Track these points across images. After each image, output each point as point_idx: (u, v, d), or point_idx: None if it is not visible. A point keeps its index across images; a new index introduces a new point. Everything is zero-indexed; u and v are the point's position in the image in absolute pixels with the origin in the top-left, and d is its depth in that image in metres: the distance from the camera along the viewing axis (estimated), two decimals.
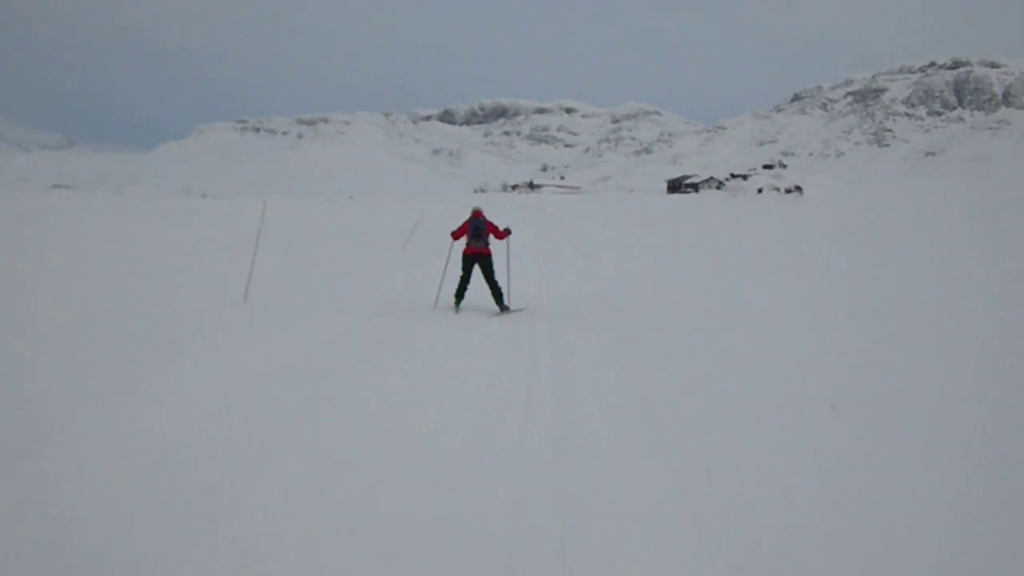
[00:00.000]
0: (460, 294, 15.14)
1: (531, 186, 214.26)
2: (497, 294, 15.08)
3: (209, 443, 6.68)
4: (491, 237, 15.43)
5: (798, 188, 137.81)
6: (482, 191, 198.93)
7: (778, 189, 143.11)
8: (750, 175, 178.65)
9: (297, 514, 5.38)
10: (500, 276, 15.96)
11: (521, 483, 6.03)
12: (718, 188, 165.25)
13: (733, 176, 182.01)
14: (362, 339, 11.55)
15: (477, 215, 15.47)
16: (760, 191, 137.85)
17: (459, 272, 15.42)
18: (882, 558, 4.89)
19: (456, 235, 15.61)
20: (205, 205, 61.79)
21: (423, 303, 15.56)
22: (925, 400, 8.46)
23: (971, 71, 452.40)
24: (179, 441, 6.68)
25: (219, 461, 6.29)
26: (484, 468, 6.37)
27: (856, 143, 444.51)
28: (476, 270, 15.32)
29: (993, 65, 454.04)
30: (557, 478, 6.15)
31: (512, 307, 15.33)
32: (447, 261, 16.70)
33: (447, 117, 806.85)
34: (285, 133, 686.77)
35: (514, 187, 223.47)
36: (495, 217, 17.54)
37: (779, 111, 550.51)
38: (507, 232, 15.79)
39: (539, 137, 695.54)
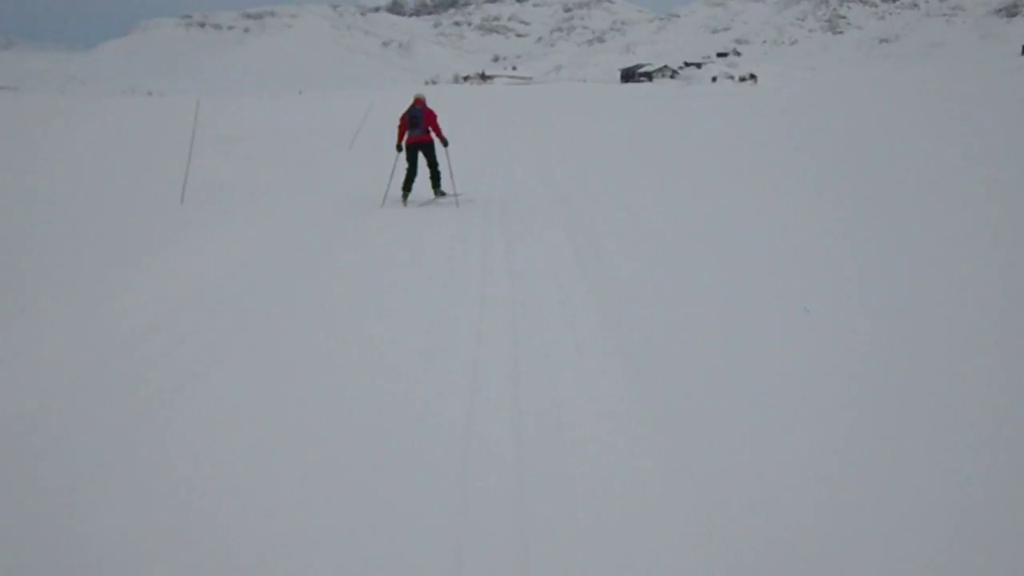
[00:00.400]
0: (407, 186, 14.98)
1: (483, 77, 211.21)
2: (436, 176, 15.21)
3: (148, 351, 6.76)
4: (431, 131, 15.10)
5: (752, 76, 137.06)
6: (433, 83, 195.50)
7: (732, 77, 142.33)
8: (704, 63, 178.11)
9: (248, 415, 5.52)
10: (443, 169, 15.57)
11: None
12: (672, 77, 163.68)
13: (687, 64, 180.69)
14: (303, 245, 11.17)
15: (418, 103, 15.16)
16: (715, 79, 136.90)
17: (404, 164, 15.17)
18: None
19: (400, 129, 15.18)
20: (145, 103, 59.94)
21: (367, 202, 15.11)
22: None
23: None
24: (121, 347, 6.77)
25: (168, 361, 6.50)
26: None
27: (810, 30, 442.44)
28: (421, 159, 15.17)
29: None
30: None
31: (451, 192, 15.17)
32: (396, 157, 15.81)
33: (396, 8, 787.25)
34: (231, 28, 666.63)
35: (466, 78, 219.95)
36: (446, 112, 17.02)
37: None
38: (445, 140, 15.23)
39: (490, 27, 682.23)
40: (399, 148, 15.19)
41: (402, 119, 15.11)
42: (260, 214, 13.27)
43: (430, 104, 15.41)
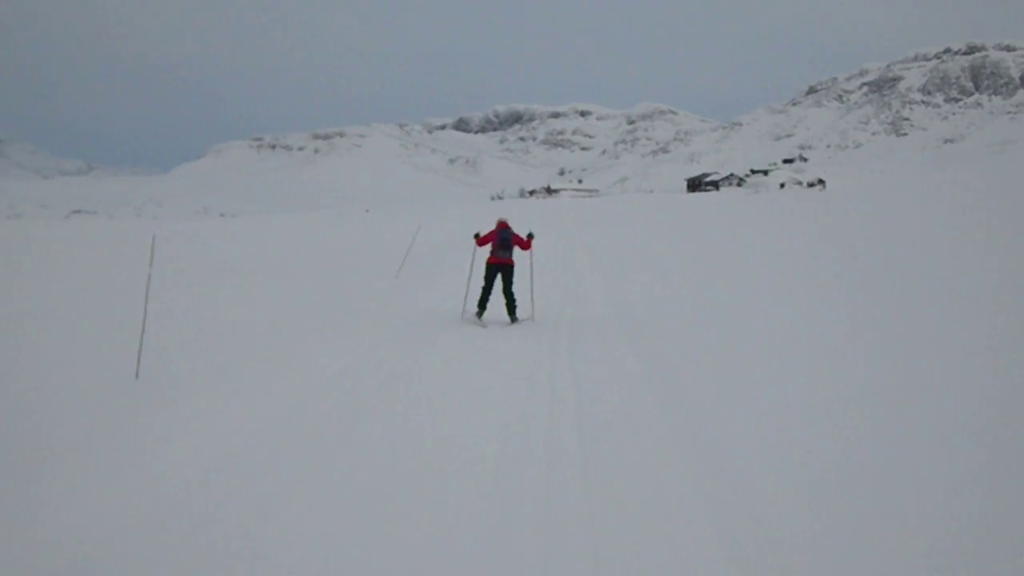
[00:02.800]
0: (483, 304, 15.08)
1: (549, 191, 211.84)
2: (511, 304, 15.14)
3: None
4: (516, 249, 15.44)
5: (821, 182, 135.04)
6: (499, 198, 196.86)
7: (800, 183, 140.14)
8: (771, 170, 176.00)
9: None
10: (523, 289, 16.41)
11: None
12: (739, 185, 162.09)
13: (753, 172, 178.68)
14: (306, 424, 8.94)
15: (503, 226, 15.47)
16: (782, 186, 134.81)
17: (481, 282, 15.34)
18: None
19: (481, 242, 15.65)
20: (212, 226, 59.49)
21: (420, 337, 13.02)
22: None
23: (987, 55, 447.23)
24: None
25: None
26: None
27: (874, 133, 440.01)
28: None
29: (1008, 48, 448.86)
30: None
31: (525, 317, 15.47)
32: (471, 267, 16.69)
33: (462, 125, 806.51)
34: (301, 149, 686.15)
35: (531, 193, 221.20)
36: (513, 225, 16.34)
37: (795, 105, 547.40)
38: (531, 238, 15.78)
39: (555, 141, 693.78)
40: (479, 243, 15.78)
41: (488, 235, 15.47)
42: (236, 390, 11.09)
43: (495, 220, 15.80)
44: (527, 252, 16.10)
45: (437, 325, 14.65)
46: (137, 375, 9.78)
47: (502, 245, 15.16)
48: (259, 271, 24.38)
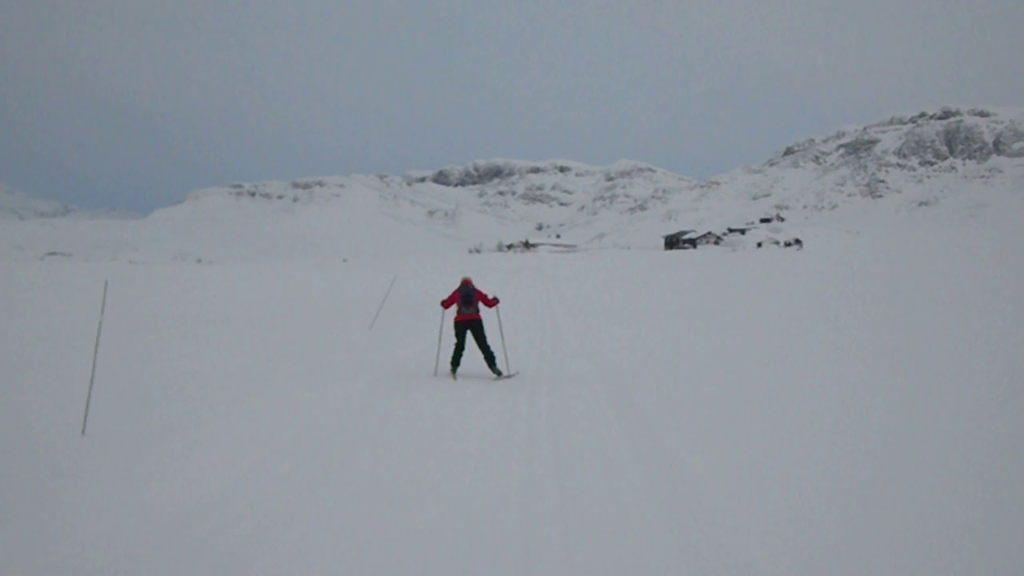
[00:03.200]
0: (456, 361, 15.08)
1: (527, 245, 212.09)
2: (490, 358, 15.00)
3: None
4: (480, 305, 15.48)
5: (798, 241, 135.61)
6: (477, 251, 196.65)
7: (777, 243, 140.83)
8: (748, 229, 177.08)
9: None
10: (495, 343, 16.48)
11: None
12: (716, 243, 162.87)
13: (731, 231, 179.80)
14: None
15: (467, 283, 15.59)
16: (760, 245, 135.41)
17: (453, 340, 15.49)
18: None
19: (447, 304, 15.74)
20: (188, 272, 58.69)
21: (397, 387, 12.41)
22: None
23: (961, 120, 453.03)
24: None
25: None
26: None
27: (850, 195, 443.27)
28: (469, 337, 15.43)
29: (982, 114, 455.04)
30: None
31: (506, 372, 15.26)
32: (440, 330, 16.58)
33: (442, 178, 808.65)
34: (280, 197, 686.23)
35: (509, 247, 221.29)
36: (489, 279, 17.11)
37: (772, 165, 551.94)
38: (495, 301, 15.68)
39: (534, 196, 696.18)
40: (444, 307, 15.80)
41: (452, 296, 15.49)
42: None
43: (476, 275, 15.04)
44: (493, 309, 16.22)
45: (411, 378, 14.58)
46: (84, 431, 9.18)
47: (464, 301, 15.29)
48: (229, 320, 23.81)
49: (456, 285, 16.46)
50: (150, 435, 9.20)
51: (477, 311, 15.38)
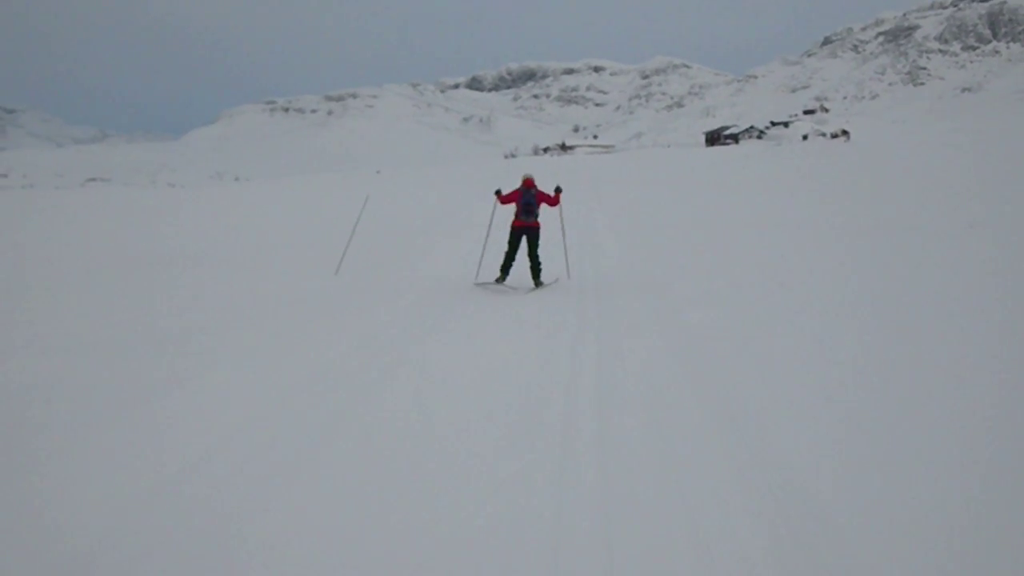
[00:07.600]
0: (505, 269, 14.40)
1: (563, 148, 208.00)
2: (536, 268, 14.36)
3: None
4: (542, 207, 14.51)
5: (845, 132, 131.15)
6: (513, 156, 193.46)
7: (824, 134, 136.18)
8: (791, 122, 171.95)
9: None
10: (555, 252, 16.02)
11: None
12: (759, 137, 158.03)
13: (774, 124, 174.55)
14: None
15: (529, 184, 14.47)
16: (805, 138, 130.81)
17: (504, 247, 14.70)
18: None
19: (504, 200, 14.76)
20: (224, 192, 56.92)
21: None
22: None
23: (1005, 2, 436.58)
24: None
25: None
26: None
27: (890, 84, 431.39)
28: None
29: None
30: None
31: (551, 281, 14.71)
32: (489, 227, 16.04)
33: (475, 84, 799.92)
34: (314, 111, 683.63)
35: (545, 150, 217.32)
36: (538, 181, 15.06)
37: (810, 56, 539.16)
38: (558, 194, 14.78)
39: (569, 98, 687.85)
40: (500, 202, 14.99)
41: (511, 195, 14.51)
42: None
43: (508, 183, 15.50)
44: (555, 208, 15.31)
45: (453, 293, 13.82)
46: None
47: (525, 209, 14.27)
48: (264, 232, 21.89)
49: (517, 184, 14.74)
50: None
51: (537, 218, 14.41)
